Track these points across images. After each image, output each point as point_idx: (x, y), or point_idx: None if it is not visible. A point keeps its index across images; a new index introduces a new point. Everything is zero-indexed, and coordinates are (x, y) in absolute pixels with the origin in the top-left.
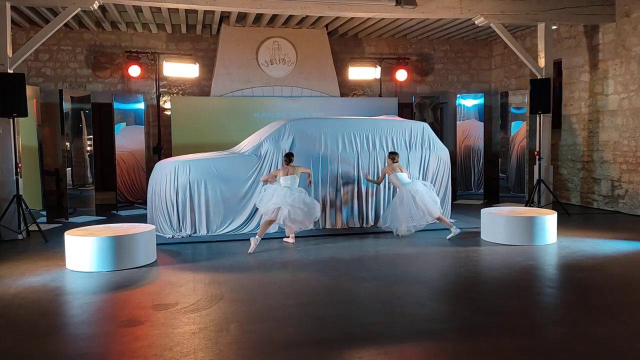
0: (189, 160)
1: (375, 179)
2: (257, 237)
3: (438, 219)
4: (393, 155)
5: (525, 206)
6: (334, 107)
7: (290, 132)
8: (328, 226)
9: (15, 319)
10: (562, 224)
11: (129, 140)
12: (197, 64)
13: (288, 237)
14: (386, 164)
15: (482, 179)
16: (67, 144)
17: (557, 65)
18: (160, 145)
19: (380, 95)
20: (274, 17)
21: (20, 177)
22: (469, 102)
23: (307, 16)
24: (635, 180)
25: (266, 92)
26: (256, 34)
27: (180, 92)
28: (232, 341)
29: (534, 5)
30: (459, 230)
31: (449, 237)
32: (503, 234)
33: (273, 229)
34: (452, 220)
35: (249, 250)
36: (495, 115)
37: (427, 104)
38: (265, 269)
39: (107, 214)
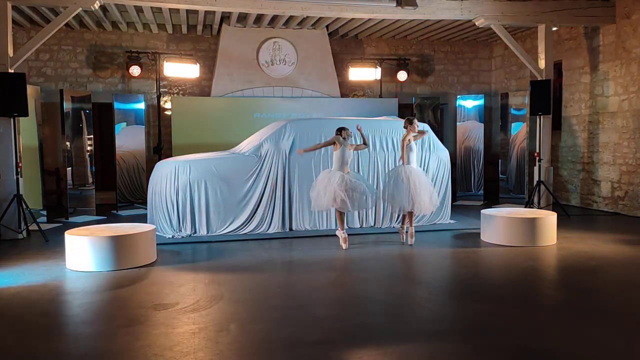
0: (189, 160)
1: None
2: (341, 231)
3: (410, 213)
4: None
5: (525, 207)
6: (335, 107)
7: (291, 132)
8: (328, 227)
9: (15, 319)
10: (561, 225)
11: (129, 140)
12: (198, 64)
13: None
14: (407, 133)
15: (482, 180)
16: (68, 143)
17: (557, 67)
18: (161, 145)
19: (380, 96)
20: (274, 18)
21: (21, 176)
22: (469, 103)
23: (307, 17)
24: (635, 181)
25: (266, 92)
26: (257, 34)
27: (181, 92)
28: (232, 341)
29: (534, 6)
30: (412, 242)
31: (410, 242)
32: (503, 235)
33: (274, 229)
34: (452, 221)
35: (345, 247)
36: (495, 117)
37: (427, 105)
38: (265, 269)
39: (107, 213)
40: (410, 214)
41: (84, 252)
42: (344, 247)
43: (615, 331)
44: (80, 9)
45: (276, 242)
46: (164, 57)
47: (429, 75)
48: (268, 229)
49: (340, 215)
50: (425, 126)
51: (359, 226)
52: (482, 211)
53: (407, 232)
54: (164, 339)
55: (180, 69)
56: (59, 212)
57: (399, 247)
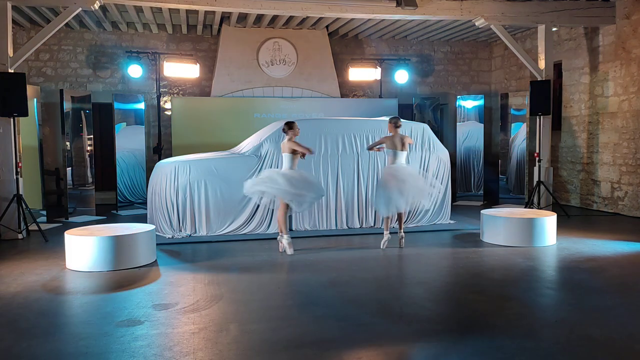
0: (189, 161)
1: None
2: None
3: (399, 215)
4: (395, 121)
5: (525, 208)
6: (334, 107)
7: None
8: (328, 227)
9: (15, 319)
10: (561, 225)
11: (129, 140)
12: (198, 64)
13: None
14: (388, 132)
15: (482, 181)
16: (68, 143)
17: (557, 67)
18: (161, 145)
19: (380, 96)
20: (274, 18)
21: (21, 176)
22: (469, 104)
23: (307, 17)
24: (634, 182)
25: (266, 92)
26: (257, 34)
27: (181, 92)
28: (232, 341)
29: (534, 7)
30: (388, 237)
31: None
32: (503, 235)
33: (274, 229)
34: (452, 221)
35: (289, 252)
36: (495, 117)
37: (427, 105)
38: (265, 269)
39: (107, 213)
40: (400, 216)
41: (83, 252)
42: (288, 252)
43: (615, 331)
44: (80, 9)
45: (276, 242)
46: (164, 57)
47: (429, 75)
48: (268, 229)
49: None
50: (423, 126)
51: (358, 226)
52: (482, 211)
53: (398, 236)
54: (164, 339)
55: (180, 69)
56: (59, 212)
57: (399, 247)
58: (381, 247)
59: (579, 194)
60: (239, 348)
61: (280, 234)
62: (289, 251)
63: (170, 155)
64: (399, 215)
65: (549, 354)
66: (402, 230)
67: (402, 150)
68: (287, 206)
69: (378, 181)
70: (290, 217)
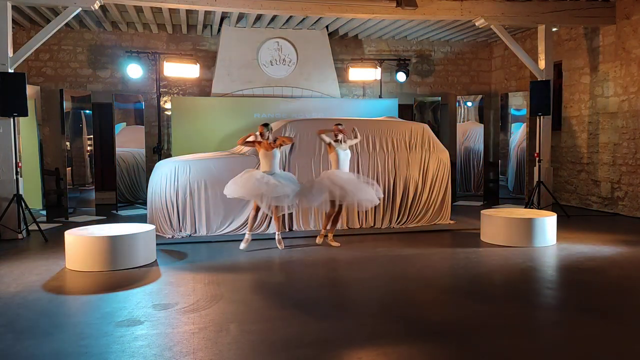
0: (189, 161)
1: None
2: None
3: (337, 214)
4: (339, 126)
5: (525, 208)
6: (334, 107)
7: (291, 132)
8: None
9: (15, 319)
10: (561, 225)
11: (129, 140)
12: (198, 64)
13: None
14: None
15: (482, 181)
16: (68, 143)
17: (557, 67)
18: (160, 146)
19: (380, 96)
20: (274, 18)
21: (21, 176)
22: (469, 104)
23: (307, 17)
24: (634, 182)
25: (266, 92)
26: (257, 34)
27: (181, 92)
28: (232, 341)
29: (534, 7)
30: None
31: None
32: (503, 235)
33: (274, 229)
34: (452, 221)
35: (241, 247)
36: (495, 117)
37: (427, 105)
38: (265, 269)
39: (107, 213)
40: (337, 216)
41: (83, 252)
42: (241, 247)
43: (615, 331)
44: (80, 9)
45: (275, 242)
46: (164, 57)
47: (429, 75)
48: (268, 229)
49: (255, 217)
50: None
51: (358, 226)
52: (482, 211)
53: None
54: (163, 339)
55: (180, 69)
56: (59, 212)
57: (399, 247)
58: (317, 242)
59: (579, 194)
60: (239, 348)
61: (248, 232)
62: (242, 246)
63: (170, 155)
64: (336, 216)
65: (548, 354)
66: (330, 230)
67: (344, 151)
68: (259, 208)
69: (315, 181)
70: (291, 216)
